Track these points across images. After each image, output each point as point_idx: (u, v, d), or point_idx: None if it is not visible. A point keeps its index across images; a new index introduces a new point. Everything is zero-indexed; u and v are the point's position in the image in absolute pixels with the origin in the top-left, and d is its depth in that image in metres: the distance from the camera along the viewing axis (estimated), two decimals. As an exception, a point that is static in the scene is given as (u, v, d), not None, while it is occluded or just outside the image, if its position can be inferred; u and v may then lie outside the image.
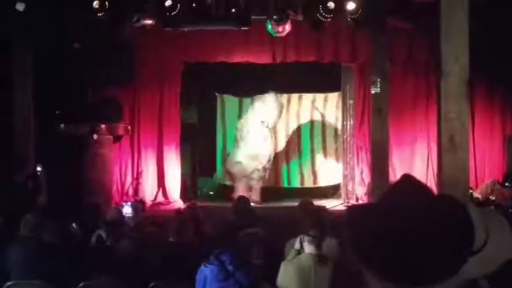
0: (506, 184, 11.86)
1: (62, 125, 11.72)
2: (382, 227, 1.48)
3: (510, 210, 9.25)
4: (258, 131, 13.26)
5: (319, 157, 14.26)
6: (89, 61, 11.64)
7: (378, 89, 11.29)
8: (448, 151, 7.24)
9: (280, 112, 13.55)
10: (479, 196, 11.58)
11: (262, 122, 13.19)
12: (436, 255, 1.43)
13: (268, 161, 13.48)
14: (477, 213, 1.73)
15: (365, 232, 1.51)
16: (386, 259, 1.46)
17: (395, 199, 1.53)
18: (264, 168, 13.47)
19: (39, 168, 10.79)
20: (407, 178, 1.58)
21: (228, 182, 13.92)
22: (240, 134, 13.50)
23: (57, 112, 11.84)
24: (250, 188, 13.19)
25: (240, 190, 12.86)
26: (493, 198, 11.38)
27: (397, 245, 1.45)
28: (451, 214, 1.50)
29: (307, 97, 14.37)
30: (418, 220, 1.46)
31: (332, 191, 13.99)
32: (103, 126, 12.01)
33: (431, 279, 1.45)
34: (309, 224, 5.37)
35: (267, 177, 13.63)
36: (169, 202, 12.88)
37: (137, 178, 13.10)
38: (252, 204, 11.79)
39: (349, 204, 12.24)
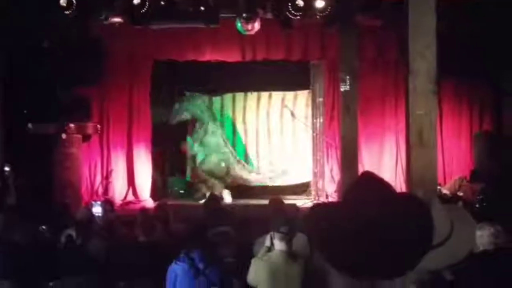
0: (473, 180, 11.98)
1: (30, 124, 11.58)
2: (344, 224, 1.50)
3: (477, 206, 9.36)
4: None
5: (289, 155, 14.28)
6: (58, 59, 11.53)
7: (348, 86, 11.35)
8: (417, 148, 7.31)
9: None
10: (447, 192, 11.71)
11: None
12: (395, 249, 1.46)
13: (234, 159, 13.69)
14: (442, 208, 1.77)
15: (327, 229, 1.54)
16: (347, 254, 1.48)
17: (356, 197, 1.56)
18: (231, 167, 13.63)
19: (7, 168, 10.65)
20: (368, 176, 1.61)
21: (197, 181, 13.94)
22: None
23: (25, 111, 11.70)
24: (219, 186, 13.25)
25: (209, 189, 12.94)
26: (461, 194, 11.50)
27: (358, 240, 1.47)
28: (410, 210, 1.53)
29: (277, 95, 14.38)
30: (377, 216, 1.49)
31: (302, 189, 14.02)
32: (72, 125, 11.88)
33: (391, 272, 1.47)
34: (279, 222, 5.39)
35: (234, 175, 13.73)
36: (139, 201, 12.79)
37: (107, 177, 13.00)
38: (222, 202, 11.86)
39: (319, 202, 12.30)
